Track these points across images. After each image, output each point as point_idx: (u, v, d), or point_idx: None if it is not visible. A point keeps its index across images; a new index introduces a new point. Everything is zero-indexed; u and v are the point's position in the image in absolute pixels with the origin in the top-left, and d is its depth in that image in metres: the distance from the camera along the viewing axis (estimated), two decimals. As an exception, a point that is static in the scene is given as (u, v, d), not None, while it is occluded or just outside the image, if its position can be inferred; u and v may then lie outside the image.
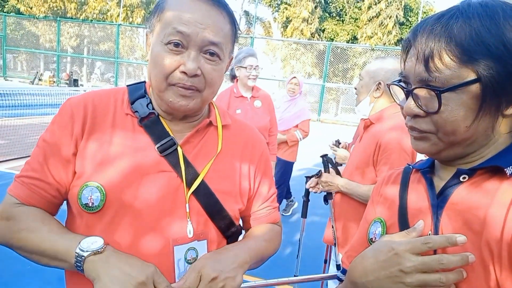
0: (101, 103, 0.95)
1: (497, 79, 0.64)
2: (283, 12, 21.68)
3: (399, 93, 0.79)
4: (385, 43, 18.99)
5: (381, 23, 19.26)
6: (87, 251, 0.80)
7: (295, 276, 2.44)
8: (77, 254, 0.81)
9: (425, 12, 18.79)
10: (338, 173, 2.06)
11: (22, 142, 6.54)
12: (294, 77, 4.21)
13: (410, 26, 18.39)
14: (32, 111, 9.18)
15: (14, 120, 8.37)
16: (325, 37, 21.19)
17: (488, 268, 0.62)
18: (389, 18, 19.10)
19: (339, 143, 2.50)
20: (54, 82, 19.91)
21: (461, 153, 0.72)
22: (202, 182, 0.94)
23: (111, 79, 22.85)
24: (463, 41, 0.64)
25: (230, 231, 1.00)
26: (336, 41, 20.08)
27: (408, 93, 0.71)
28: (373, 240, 0.83)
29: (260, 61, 3.24)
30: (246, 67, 3.12)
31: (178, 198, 0.91)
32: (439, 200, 0.72)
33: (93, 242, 0.82)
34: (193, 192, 0.93)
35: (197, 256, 0.93)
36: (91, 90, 1.01)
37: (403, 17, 19.65)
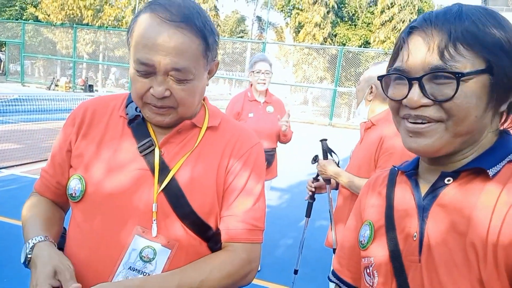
0: (102, 107, 1.07)
1: (509, 74, 0.66)
2: (295, 17, 21.74)
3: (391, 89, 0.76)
4: (398, 47, 18.84)
5: (394, 27, 19.14)
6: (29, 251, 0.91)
7: (295, 271, 2.45)
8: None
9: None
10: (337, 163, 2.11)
11: (37, 147, 6.67)
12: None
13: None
14: (48, 116, 9.41)
15: (31, 124, 8.59)
16: (337, 42, 21.15)
17: (473, 268, 0.63)
18: (402, 23, 18.96)
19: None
20: (70, 87, 20.31)
21: (455, 150, 0.71)
22: (173, 181, 0.96)
23: (125, 84, 23.20)
24: (477, 33, 0.66)
25: (206, 234, 0.98)
26: (348, 45, 20.03)
27: (411, 84, 0.69)
28: (362, 242, 0.84)
29: (272, 66, 3.31)
30: (256, 71, 3.21)
31: (149, 197, 0.95)
32: (424, 203, 0.73)
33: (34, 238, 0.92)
34: (164, 192, 0.95)
35: (154, 257, 0.93)
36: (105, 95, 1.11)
37: (416, 21, 19.46)
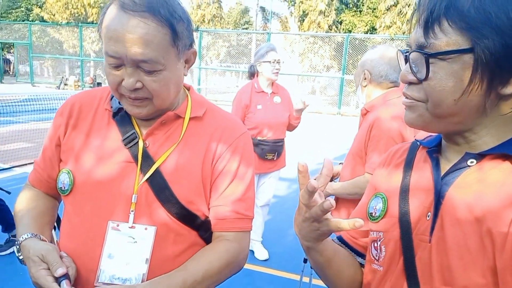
0: (88, 101, 1.08)
1: (492, 51, 0.60)
2: (299, 6, 21.52)
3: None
4: (404, 32, 18.59)
5: (400, 11, 18.82)
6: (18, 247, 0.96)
7: (305, 260, 2.47)
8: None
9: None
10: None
11: (48, 145, 6.81)
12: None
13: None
14: (58, 114, 9.49)
15: (42, 123, 8.70)
16: (342, 29, 20.92)
17: (487, 256, 0.61)
18: (408, 6, 18.65)
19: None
20: (79, 86, 20.49)
21: (454, 131, 0.70)
22: (158, 172, 0.97)
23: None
24: (464, 7, 0.61)
25: (194, 223, 0.99)
26: (354, 32, 19.80)
27: (406, 59, 0.70)
28: (373, 215, 0.82)
29: (279, 56, 3.27)
30: (270, 61, 3.15)
31: (131, 188, 0.97)
32: (443, 182, 0.70)
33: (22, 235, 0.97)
34: (148, 182, 0.97)
35: (134, 246, 0.95)
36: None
37: (423, 4, 19.13)
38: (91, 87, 19.90)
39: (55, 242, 1.06)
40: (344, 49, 16.93)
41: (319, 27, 20.62)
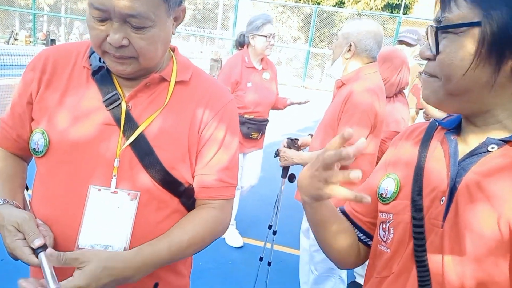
0: (64, 56, 0.99)
1: (501, 22, 0.59)
2: (270, -27, 20.98)
3: None
4: (371, 8, 18.73)
5: (369, -13, 18.88)
6: None
7: (273, 232, 2.51)
8: None
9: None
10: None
11: (-2, 103, 6.38)
12: None
13: (398, -9, 18.13)
14: (8, 71, 8.86)
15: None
16: (311, 1, 20.72)
17: (503, 245, 0.60)
18: (377, -17, 18.72)
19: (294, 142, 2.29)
20: (30, 42, 19.10)
21: (472, 112, 0.68)
22: (142, 137, 0.93)
23: (90, 40, 22.08)
24: None
25: (178, 190, 0.97)
26: (322, 5, 19.68)
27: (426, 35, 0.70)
28: (383, 196, 0.80)
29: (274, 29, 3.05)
30: (266, 36, 2.89)
31: (113, 152, 0.93)
32: (460, 167, 0.68)
33: None
34: (132, 147, 0.92)
35: (117, 211, 0.91)
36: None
37: (391, -19, 19.26)
38: (44, 43, 18.63)
39: (28, 203, 1.00)
40: (312, 21, 16.83)
41: (289, -4, 20.30)
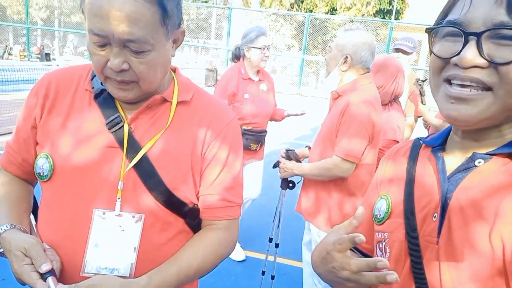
0: (66, 79, 1.00)
1: None
2: (262, -18, 21.16)
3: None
4: (363, 14, 18.91)
5: (360, -7, 19.08)
6: None
7: (275, 245, 2.51)
8: None
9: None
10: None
11: (-6, 120, 6.35)
12: None
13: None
14: (3, 87, 8.84)
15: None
16: (304, 9, 20.90)
17: (496, 259, 0.59)
18: (368, -11, 18.93)
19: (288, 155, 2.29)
20: (25, 56, 19.11)
21: (497, 124, 0.65)
22: (145, 159, 0.93)
23: (84, 52, 22.02)
24: None
25: (182, 210, 0.97)
26: (315, 12, 19.85)
27: (467, 39, 0.61)
28: (378, 216, 0.80)
29: (269, 41, 3.06)
30: (260, 48, 2.91)
31: (117, 174, 0.93)
32: (449, 183, 0.67)
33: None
34: (135, 169, 0.93)
35: (121, 235, 0.92)
36: (64, 64, 1.02)
37: (382, -13, 19.49)
38: (38, 58, 18.64)
39: (34, 227, 1.00)
40: (305, 29, 16.96)
41: (281, 4, 20.46)
